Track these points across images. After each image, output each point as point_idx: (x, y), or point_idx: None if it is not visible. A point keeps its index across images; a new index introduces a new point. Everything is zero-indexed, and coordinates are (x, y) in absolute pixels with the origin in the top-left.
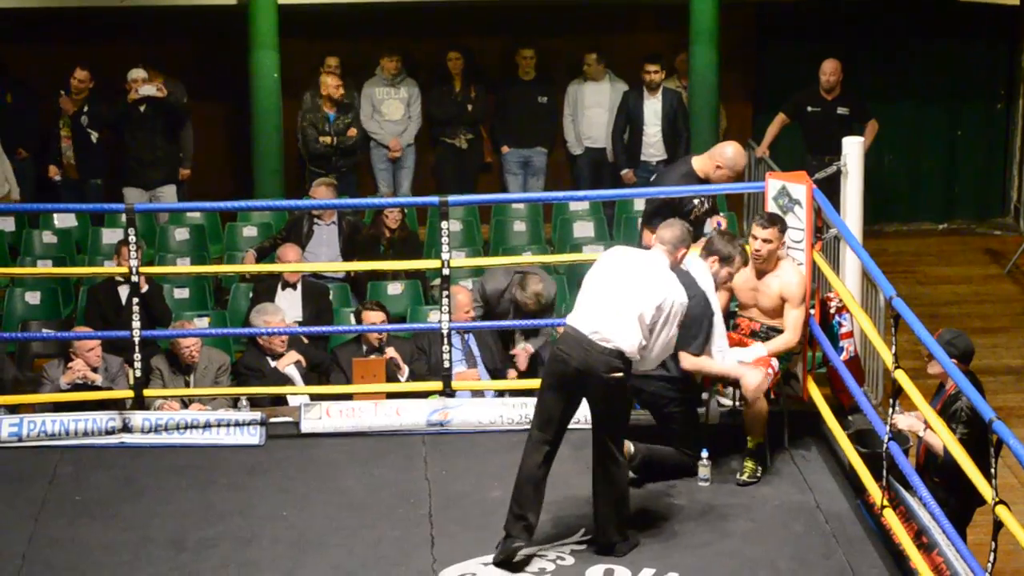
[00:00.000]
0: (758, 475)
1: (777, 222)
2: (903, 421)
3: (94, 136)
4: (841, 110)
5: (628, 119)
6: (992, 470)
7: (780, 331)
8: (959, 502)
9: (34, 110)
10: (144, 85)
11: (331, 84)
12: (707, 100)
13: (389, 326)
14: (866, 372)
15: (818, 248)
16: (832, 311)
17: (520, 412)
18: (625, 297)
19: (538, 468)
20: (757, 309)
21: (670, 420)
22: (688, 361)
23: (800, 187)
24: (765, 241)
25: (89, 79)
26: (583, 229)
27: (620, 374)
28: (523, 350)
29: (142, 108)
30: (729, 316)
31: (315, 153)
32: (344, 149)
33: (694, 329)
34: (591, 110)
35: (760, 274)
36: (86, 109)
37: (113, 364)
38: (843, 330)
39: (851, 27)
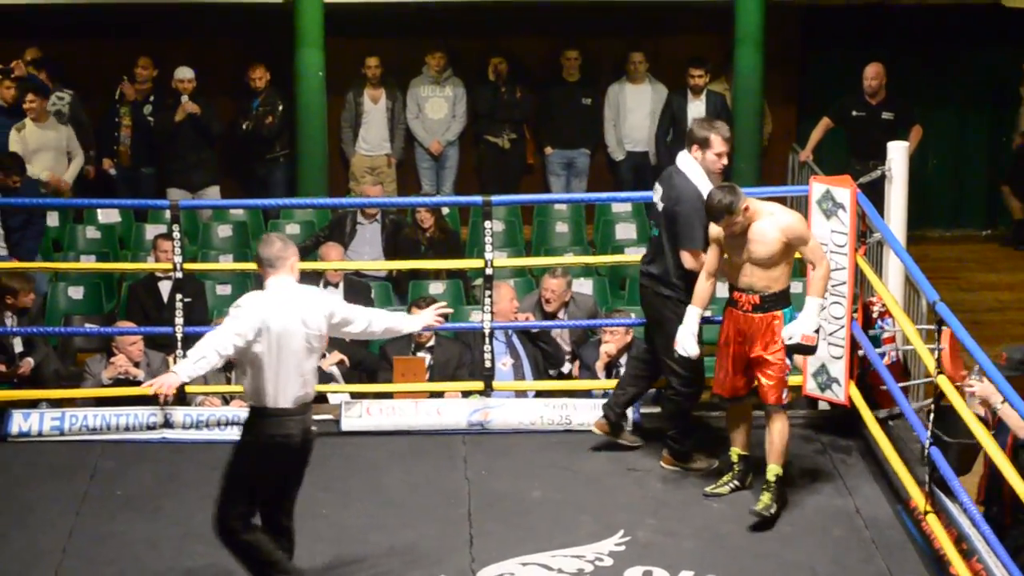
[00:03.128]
0: (772, 511)
1: (724, 212)
2: (979, 386)
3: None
4: (886, 115)
5: (672, 121)
6: None
7: (779, 293)
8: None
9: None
10: (188, 85)
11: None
12: (751, 103)
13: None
14: (910, 377)
15: (862, 252)
16: (875, 315)
17: (561, 413)
18: None
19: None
20: (750, 264)
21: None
22: (690, 260)
23: (844, 191)
24: (734, 223)
25: (152, 66)
26: (625, 231)
27: None
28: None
29: (177, 118)
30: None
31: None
32: (259, 135)
33: (687, 228)
34: (633, 113)
35: (745, 229)
36: (151, 99)
37: (155, 360)
38: (885, 335)
39: (896, 32)
